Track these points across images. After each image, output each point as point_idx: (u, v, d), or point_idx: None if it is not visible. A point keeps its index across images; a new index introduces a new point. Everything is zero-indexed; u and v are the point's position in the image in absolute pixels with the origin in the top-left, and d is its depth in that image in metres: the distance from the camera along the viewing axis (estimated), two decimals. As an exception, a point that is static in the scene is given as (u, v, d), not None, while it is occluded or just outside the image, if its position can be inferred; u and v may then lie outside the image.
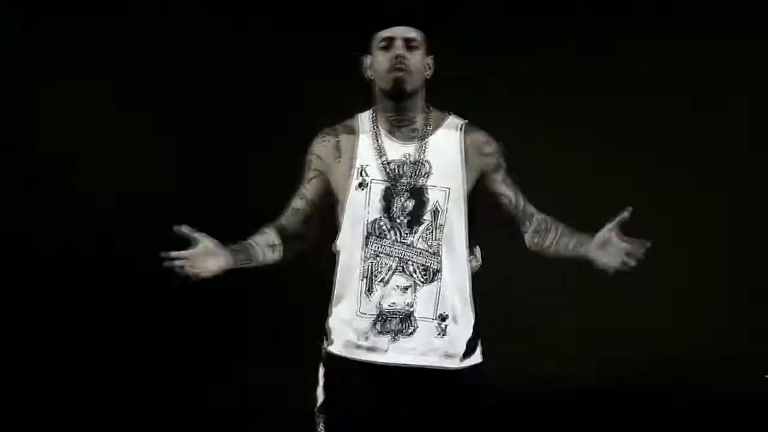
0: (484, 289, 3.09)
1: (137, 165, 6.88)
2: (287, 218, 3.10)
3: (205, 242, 2.97)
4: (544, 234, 3.01)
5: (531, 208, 3.08)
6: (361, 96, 3.12)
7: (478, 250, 3.06)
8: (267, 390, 5.57)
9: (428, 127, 2.94)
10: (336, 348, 2.92)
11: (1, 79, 6.81)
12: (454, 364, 2.87)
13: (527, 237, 3.05)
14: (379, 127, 2.93)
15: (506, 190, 3.03)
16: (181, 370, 5.99)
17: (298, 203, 3.07)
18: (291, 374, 4.90)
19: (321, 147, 3.01)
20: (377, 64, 2.91)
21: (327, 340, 2.95)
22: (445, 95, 3.20)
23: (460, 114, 3.13)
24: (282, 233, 3.10)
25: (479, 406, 2.91)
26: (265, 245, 3.09)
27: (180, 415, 5.27)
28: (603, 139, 6.76)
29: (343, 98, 3.30)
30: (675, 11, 6.80)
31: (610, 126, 6.75)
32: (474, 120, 3.10)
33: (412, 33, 2.91)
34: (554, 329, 6.83)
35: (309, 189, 3.05)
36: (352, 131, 2.97)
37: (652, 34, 6.84)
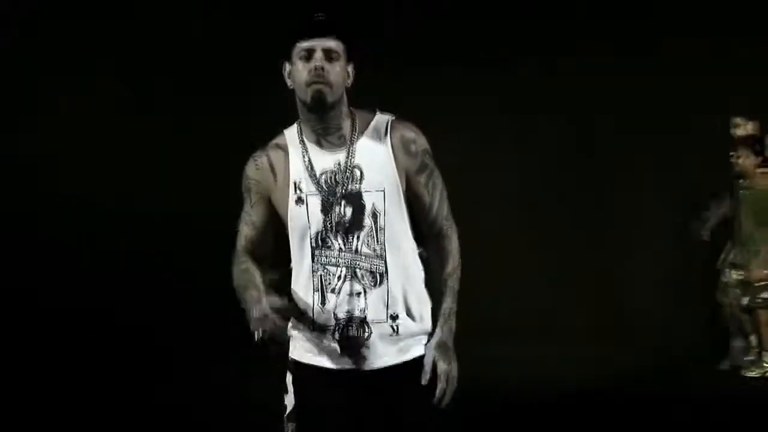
0: (482, 292, 3.08)
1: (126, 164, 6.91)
2: (246, 249, 3.00)
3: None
4: (439, 277, 2.96)
5: (443, 228, 2.94)
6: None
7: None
8: (267, 390, 5.57)
9: (355, 132, 2.89)
10: (298, 355, 2.92)
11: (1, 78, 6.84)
12: (409, 356, 2.88)
13: (429, 252, 2.98)
14: (305, 140, 2.89)
15: (425, 194, 2.91)
16: (181, 370, 6.00)
17: (249, 231, 2.95)
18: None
19: (256, 171, 2.92)
20: (297, 74, 2.81)
21: (289, 347, 2.94)
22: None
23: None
24: (252, 260, 3.04)
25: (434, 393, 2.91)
26: (256, 278, 3.02)
27: (180, 415, 5.28)
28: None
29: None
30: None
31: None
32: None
33: (332, 43, 2.88)
34: (555, 330, 6.84)
35: (255, 214, 2.94)
36: (281, 149, 2.91)
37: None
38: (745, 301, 6.31)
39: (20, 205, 6.74)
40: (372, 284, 2.89)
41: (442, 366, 2.86)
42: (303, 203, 2.90)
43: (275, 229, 2.97)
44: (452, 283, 2.94)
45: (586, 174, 7.45)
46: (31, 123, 6.90)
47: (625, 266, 7.37)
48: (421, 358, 2.90)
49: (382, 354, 2.90)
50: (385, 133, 2.91)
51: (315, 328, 2.90)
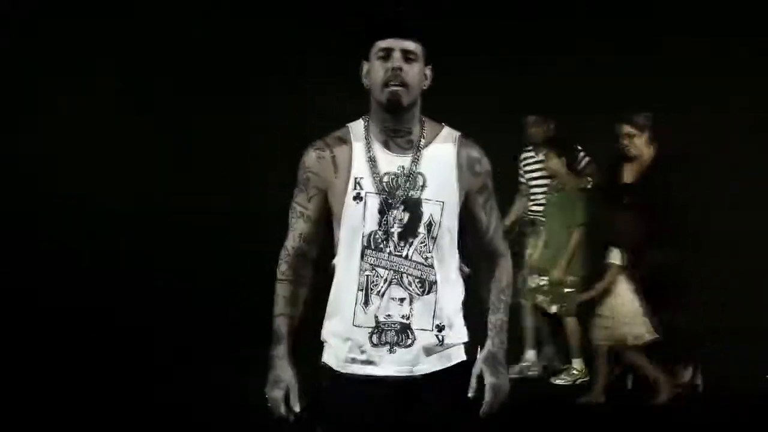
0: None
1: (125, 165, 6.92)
2: (302, 249, 2.94)
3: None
4: (486, 293, 2.97)
5: (498, 248, 2.98)
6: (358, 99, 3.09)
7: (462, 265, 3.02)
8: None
9: (423, 139, 2.89)
10: (331, 361, 2.90)
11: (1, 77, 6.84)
12: (452, 362, 2.87)
13: (481, 271, 2.99)
14: (373, 138, 2.88)
15: (483, 215, 2.94)
16: (181, 370, 6.00)
17: (306, 228, 2.91)
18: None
19: (317, 164, 2.89)
20: (374, 74, 2.81)
21: (323, 351, 2.93)
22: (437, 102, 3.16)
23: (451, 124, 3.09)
24: (302, 264, 3.00)
25: (469, 401, 2.90)
26: (301, 305, 3.02)
27: (180, 415, 5.28)
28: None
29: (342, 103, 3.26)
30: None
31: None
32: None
33: (410, 44, 2.86)
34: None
35: (312, 209, 2.92)
36: (345, 143, 2.89)
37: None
38: (554, 308, 6.10)
39: (20, 205, 6.74)
40: (420, 292, 2.88)
41: (489, 378, 2.86)
42: (361, 201, 2.88)
43: (328, 223, 2.96)
44: (506, 297, 2.97)
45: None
46: (31, 123, 6.89)
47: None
48: (463, 363, 2.89)
49: (425, 362, 2.89)
50: (453, 148, 2.92)
51: (354, 326, 2.88)
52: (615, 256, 5.64)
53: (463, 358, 2.91)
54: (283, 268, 2.94)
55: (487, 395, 2.84)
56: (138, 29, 6.96)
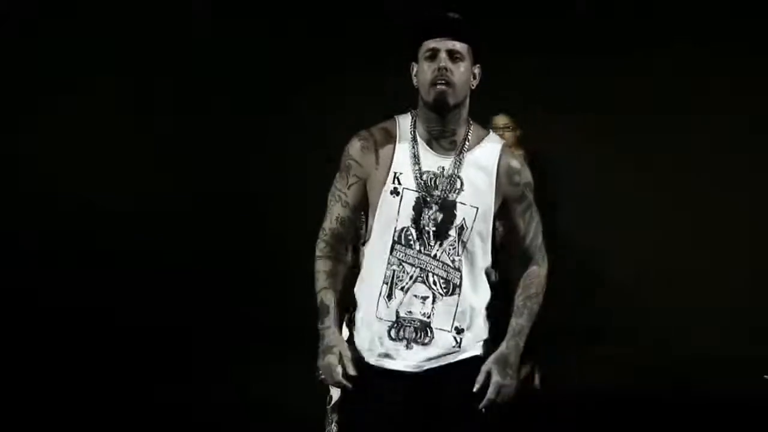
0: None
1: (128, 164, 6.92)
2: (338, 231, 2.97)
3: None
4: (519, 295, 3.00)
5: (534, 256, 3.02)
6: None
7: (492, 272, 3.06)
8: (267, 390, 5.58)
9: (467, 143, 2.93)
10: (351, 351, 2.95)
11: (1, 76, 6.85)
12: (466, 355, 2.90)
13: (515, 277, 3.02)
14: (418, 135, 2.92)
15: (521, 223, 2.98)
16: (181, 370, 6.00)
17: (342, 212, 2.95)
18: (291, 374, 4.91)
19: (360, 153, 2.93)
20: (421, 74, 2.87)
21: (351, 328, 2.98)
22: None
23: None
24: (339, 243, 3.04)
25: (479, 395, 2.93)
26: (340, 281, 3.05)
27: (180, 415, 5.28)
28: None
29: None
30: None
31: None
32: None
33: (457, 44, 2.91)
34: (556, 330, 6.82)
35: (350, 195, 2.95)
36: (390, 136, 2.93)
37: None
38: None
39: (20, 205, 6.74)
40: (443, 292, 2.93)
41: (495, 377, 2.90)
42: (398, 195, 2.94)
43: (365, 212, 3.01)
44: (532, 305, 3.01)
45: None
46: (31, 123, 6.89)
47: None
48: (476, 357, 2.92)
49: (440, 360, 2.92)
50: (495, 156, 2.96)
51: (375, 318, 2.91)
52: None
53: (478, 352, 2.94)
54: (321, 246, 2.98)
55: (490, 392, 2.88)
56: (138, 29, 6.96)
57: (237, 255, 6.76)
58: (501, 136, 5.44)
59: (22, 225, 6.75)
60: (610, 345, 6.57)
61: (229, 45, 6.97)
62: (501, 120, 5.62)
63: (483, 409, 2.87)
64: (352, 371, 2.86)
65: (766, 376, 6.20)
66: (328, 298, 2.95)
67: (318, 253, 2.99)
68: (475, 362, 2.92)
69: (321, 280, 2.97)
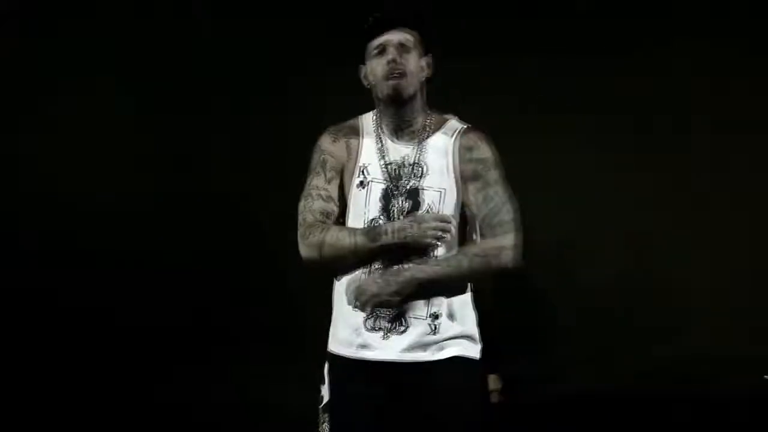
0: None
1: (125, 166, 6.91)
2: (321, 219, 2.98)
3: None
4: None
5: (486, 235, 2.95)
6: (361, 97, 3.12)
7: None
8: (267, 390, 5.58)
9: (427, 130, 2.94)
10: (333, 346, 2.96)
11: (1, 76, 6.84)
12: (444, 355, 2.89)
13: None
14: (383, 128, 2.95)
15: (474, 200, 2.93)
16: (181, 370, 6.00)
17: (328, 207, 2.97)
18: (291, 374, 4.90)
19: (333, 145, 2.99)
20: (374, 71, 2.92)
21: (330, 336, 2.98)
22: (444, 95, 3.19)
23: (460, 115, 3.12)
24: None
25: (467, 396, 2.93)
26: None
27: (180, 415, 5.27)
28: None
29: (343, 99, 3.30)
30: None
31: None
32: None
33: (404, 36, 2.91)
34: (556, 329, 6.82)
35: (332, 189, 2.99)
36: (356, 132, 2.98)
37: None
38: None
39: (20, 205, 6.73)
40: None
41: (378, 281, 2.86)
42: (365, 188, 2.96)
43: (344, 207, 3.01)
44: (463, 258, 2.94)
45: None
46: (31, 123, 6.89)
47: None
48: (456, 358, 2.92)
49: (417, 350, 2.92)
50: (453, 137, 2.97)
51: (353, 309, 2.93)
52: None
53: (460, 353, 2.93)
54: (312, 230, 2.97)
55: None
56: (138, 29, 6.95)
57: (237, 255, 6.75)
58: None
59: (22, 225, 6.74)
60: (610, 345, 6.57)
61: (229, 45, 6.97)
62: None
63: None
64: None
65: (766, 376, 6.22)
66: (355, 230, 2.93)
67: (317, 234, 2.96)
68: (456, 364, 2.92)
69: (341, 234, 2.93)
